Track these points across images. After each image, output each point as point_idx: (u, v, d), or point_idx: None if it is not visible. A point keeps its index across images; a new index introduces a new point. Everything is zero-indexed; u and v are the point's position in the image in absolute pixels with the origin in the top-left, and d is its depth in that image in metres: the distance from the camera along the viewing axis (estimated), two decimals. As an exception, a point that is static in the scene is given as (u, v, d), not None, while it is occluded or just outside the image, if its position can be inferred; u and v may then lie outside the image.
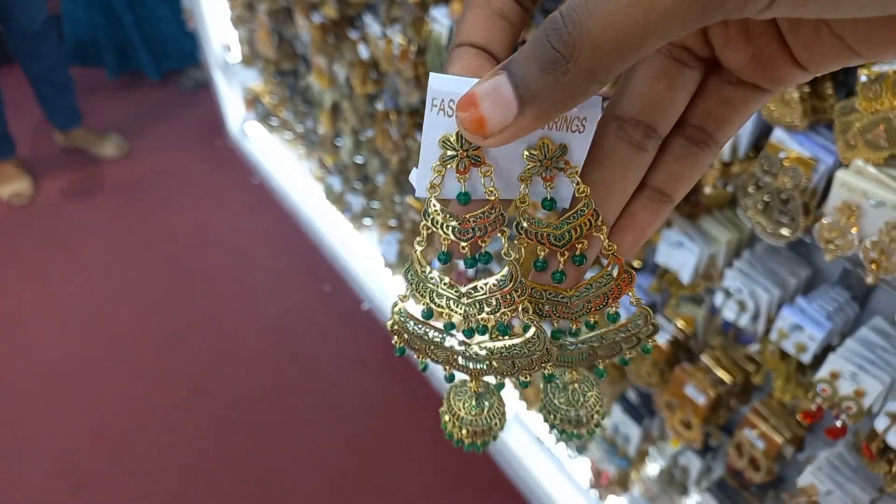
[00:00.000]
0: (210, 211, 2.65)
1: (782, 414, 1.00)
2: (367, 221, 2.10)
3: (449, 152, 0.26)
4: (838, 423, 0.86)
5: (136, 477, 1.74)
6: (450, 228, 0.27)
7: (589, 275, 0.30)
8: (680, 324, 1.10)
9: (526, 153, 0.27)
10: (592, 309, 0.30)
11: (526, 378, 0.29)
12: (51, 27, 2.52)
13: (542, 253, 0.29)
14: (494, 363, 0.29)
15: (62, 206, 2.67)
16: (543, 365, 0.29)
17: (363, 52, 1.59)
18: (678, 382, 1.09)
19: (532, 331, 0.28)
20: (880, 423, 0.81)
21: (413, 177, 0.28)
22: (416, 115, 1.60)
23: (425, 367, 0.30)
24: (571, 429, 0.33)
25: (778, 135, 0.81)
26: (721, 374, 1.05)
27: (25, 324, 2.18)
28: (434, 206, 0.27)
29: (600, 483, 1.49)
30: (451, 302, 0.28)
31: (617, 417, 1.34)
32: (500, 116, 0.22)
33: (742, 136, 0.87)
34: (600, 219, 0.27)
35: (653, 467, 1.38)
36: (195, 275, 2.35)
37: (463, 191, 0.27)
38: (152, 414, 1.89)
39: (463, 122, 0.23)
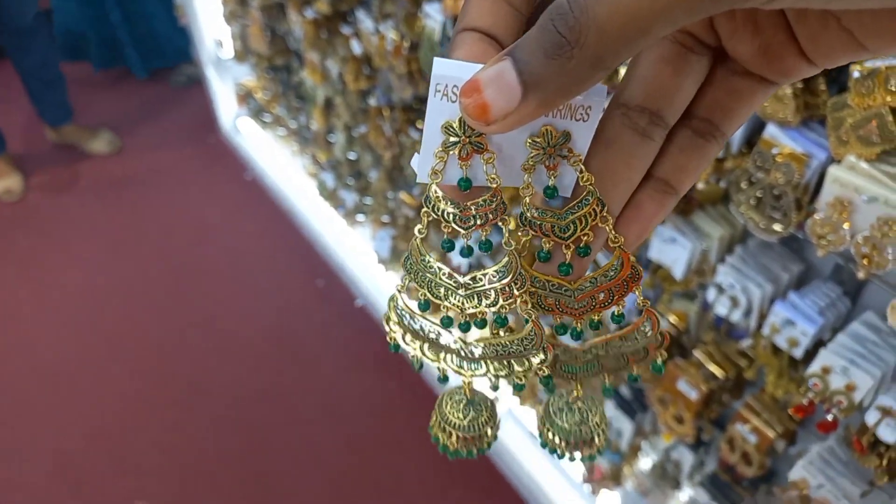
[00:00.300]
0: (203, 207, 2.64)
1: (774, 408, 1.01)
2: (360, 217, 2.10)
3: (451, 138, 0.26)
4: (829, 418, 0.86)
5: (135, 476, 1.73)
6: (450, 216, 0.27)
7: (589, 272, 0.29)
8: (672, 319, 1.11)
9: (529, 140, 0.26)
10: (597, 306, 0.29)
11: (521, 381, 0.28)
12: (41, 23, 2.51)
13: (548, 245, 0.28)
14: (489, 364, 0.28)
15: (53, 203, 2.65)
16: (541, 367, 0.28)
17: (356, 47, 1.58)
18: (670, 377, 1.09)
19: (529, 326, 0.28)
20: (871, 417, 0.81)
21: (415, 162, 0.27)
22: (409, 112, 1.59)
23: (420, 367, 0.29)
24: (574, 450, 0.31)
25: (771, 130, 0.81)
26: (713, 369, 1.05)
27: (21, 321, 2.16)
28: (436, 192, 0.27)
29: (593, 478, 1.50)
30: (449, 292, 0.28)
31: (609, 412, 1.34)
32: (503, 103, 0.22)
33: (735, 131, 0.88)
34: (605, 209, 0.27)
35: (645, 462, 1.38)
36: (188, 271, 2.34)
37: (464, 177, 0.27)
38: (149, 412, 1.88)
39: (466, 108, 0.23)
